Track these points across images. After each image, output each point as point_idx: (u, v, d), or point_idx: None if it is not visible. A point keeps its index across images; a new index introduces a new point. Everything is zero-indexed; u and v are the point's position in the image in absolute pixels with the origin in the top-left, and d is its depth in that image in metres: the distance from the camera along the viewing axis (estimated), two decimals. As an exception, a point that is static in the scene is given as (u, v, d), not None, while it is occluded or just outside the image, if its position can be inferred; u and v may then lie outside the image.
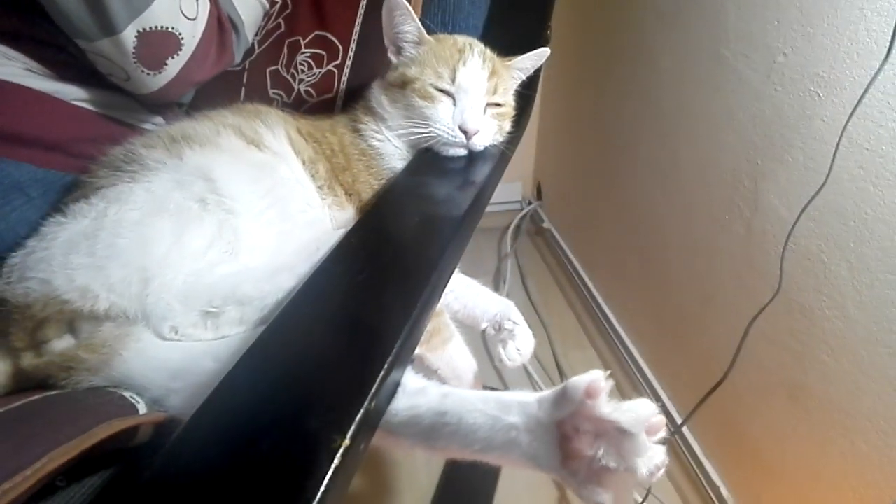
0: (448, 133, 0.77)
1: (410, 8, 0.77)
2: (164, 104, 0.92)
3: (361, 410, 0.39)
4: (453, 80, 0.78)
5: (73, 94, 0.80)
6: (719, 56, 1.18)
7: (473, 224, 0.70)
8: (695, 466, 1.30)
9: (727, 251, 1.19)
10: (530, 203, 2.42)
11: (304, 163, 0.78)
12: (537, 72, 0.91)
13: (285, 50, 1.02)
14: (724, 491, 1.23)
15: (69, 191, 0.73)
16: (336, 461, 0.36)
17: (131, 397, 0.51)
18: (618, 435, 0.39)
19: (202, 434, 0.40)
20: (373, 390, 0.41)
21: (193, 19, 0.77)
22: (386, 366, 0.43)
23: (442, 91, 0.78)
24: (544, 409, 0.43)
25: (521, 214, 2.38)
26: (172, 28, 0.75)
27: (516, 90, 0.88)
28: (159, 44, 0.75)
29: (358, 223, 0.65)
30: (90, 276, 0.54)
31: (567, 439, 0.41)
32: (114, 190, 0.62)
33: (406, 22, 0.78)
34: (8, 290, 0.56)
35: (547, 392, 0.44)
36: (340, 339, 0.47)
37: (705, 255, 1.27)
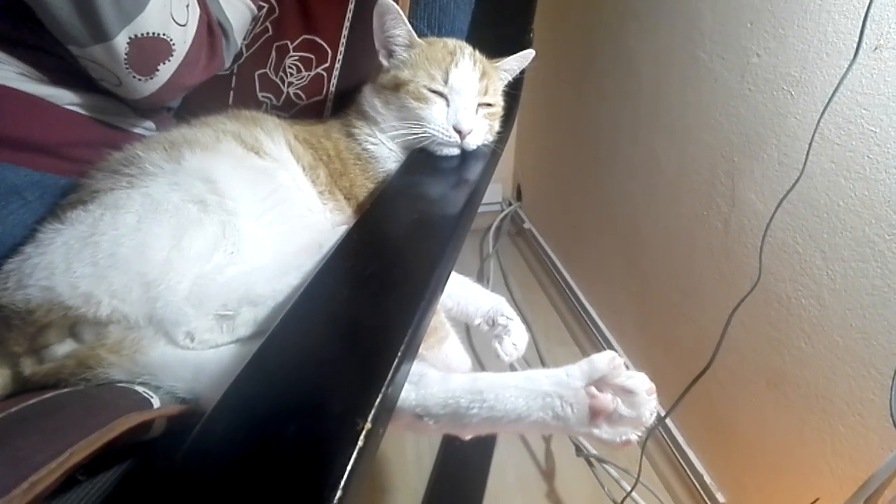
0: (443, 133, 0.79)
1: (402, 12, 0.79)
2: (154, 108, 0.92)
3: (380, 396, 0.41)
4: (446, 82, 0.80)
5: (66, 98, 0.79)
6: (695, 57, 1.22)
7: (470, 220, 0.72)
8: (678, 455, 1.34)
9: (706, 245, 1.23)
10: (511, 204, 2.46)
11: (304, 169, 0.79)
12: (523, 72, 0.94)
13: (273, 53, 1.03)
14: (707, 478, 1.26)
15: (66, 194, 0.73)
16: (360, 443, 0.37)
17: (144, 392, 0.52)
18: (628, 394, 0.52)
19: (227, 421, 0.41)
20: (389, 376, 0.43)
21: (184, 25, 0.78)
22: (399, 354, 0.45)
23: (435, 92, 0.80)
24: (574, 377, 0.53)
25: (501, 215, 2.42)
26: (164, 34, 0.75)
27: (503, 90, 0.91)
28: (151, 50, 0.75)
29: (358, 221, 0.67)
30: (94, 284, 0.54)
31: (594, 398, 0.51)
32: (111, 196, 0.62)
33: (397, 26, 0.80)
34: (5, 297, 0.56)
35: (571, 365, 0.55)
36: (354, 329, 0.49)
37: (685, 250, 1.31)
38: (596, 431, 0.51)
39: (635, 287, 1.57)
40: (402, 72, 0.81)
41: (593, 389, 0.52)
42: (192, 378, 0.54)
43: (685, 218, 1.30)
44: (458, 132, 0.80)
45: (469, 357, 0.83)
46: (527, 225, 2.32)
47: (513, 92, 0.94)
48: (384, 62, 0.84)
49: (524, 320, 1.85)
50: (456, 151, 0.82)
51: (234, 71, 1.06)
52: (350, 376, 0.43)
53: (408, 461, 1.41)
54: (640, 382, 0.52)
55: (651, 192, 1.45)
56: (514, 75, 0.91)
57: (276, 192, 0.72)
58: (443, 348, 0.79)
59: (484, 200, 2.53)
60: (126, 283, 0.55)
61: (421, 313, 0.50)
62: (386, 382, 0.42)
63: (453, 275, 0.93)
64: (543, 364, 1.72)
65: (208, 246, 0.61)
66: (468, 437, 0.54)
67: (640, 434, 0.51)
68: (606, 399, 0.51)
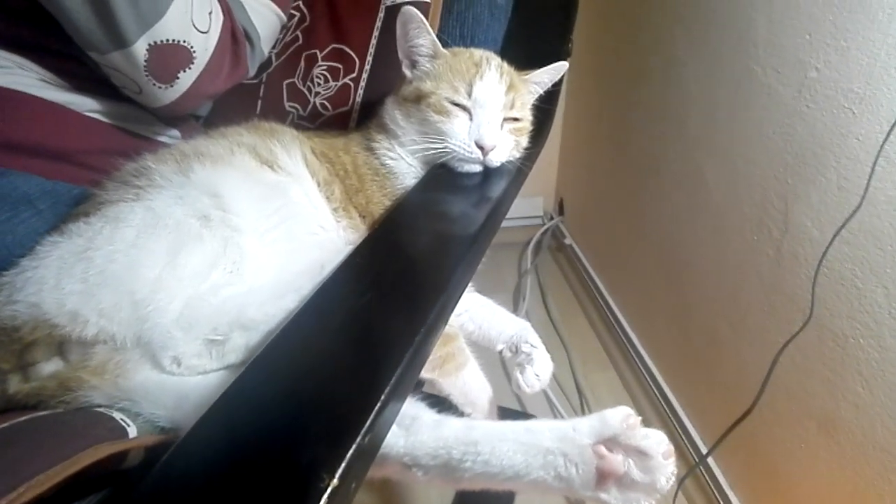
0: (464, 149, 0.75)
1: (425, 21, 0.75)
2: (179, 117, 0.91)
3: (353, 447, 0.37)
4: (470, 95, 0.76)
5: (87, 105, 0.79)
6: (749, 71, 1.14)
7: (486, 244, 0.68)
8: (719, 498, 1.25)
9: (756, 274, 1.14)
10: (552, 218, 2.38)
11: (319, 184, 0.77)
12: (557, 86, 0.88)
13: (302, 62, 1.01)
14: (749, 524, 1.17)
15: (79, 203, 0.72)
16: (323, 502, 0.33)
17: (121, 419, 0.49)
18: (642, 456, 0.47)
19: (187, 464, 0.38)
20: (367, 424, 0.38)
21: (206, 32, 0.77)
22: (383, 397, 0.40)
23: (458, 105, 0.76)
24: (581, 433, 0.48)
25: (542, 230, 2.35)
26: (184, 41, 0.74)
27: (535, 104, 0.86)
28: (171, 57, 0.74)
29: (365, 241, 0.63)
30: (81, 302, 0.52)
31: (602, 459, 0.47)
32: (114, 208, 0.60)
33: (421, 35, 0.77)
34: None
35: (579, 419, 0.50)
36: (337, 366, 0.45)
37: (733, 277, 1.23)
38: (604, 496, 0.46)
39: (679, 313, 1.48)
40: (425, 83, 0.77)
41: (602, 449, 0.47)
42: (173, 406, 0.51)
43: (733, 242, 1.22)
44: (481, 148, 0.75)
45: (490, 386, 0.79)
46: (568, 241, 2.24)
47: (545, 106, 0.88)
48: (407, 73, 0.81)
49: (561, 341, 1.82)
50: (478, 168, 0.78)
51: (263, 80, 1.05)
52: (324, 422, 0.39)
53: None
54: (657, 444, 0.47)
55: (697, 212, 1.36)
56: (545, 88, 0.86)
57: (284, 208, 0.70)
58: (461, 376, 0.75)
59: (524, 214, 2.49)
60: (115, 302, 0.53)
61: (414, 350, 0.46)
62: (362, 432, 0.38)
63: (477, 297, 0.89)
64: (579, 391, 1.65)
65: (206, 263, 0.59)
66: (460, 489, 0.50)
67: (652, 503, 0.46)
68: (617, 461, 0.46)
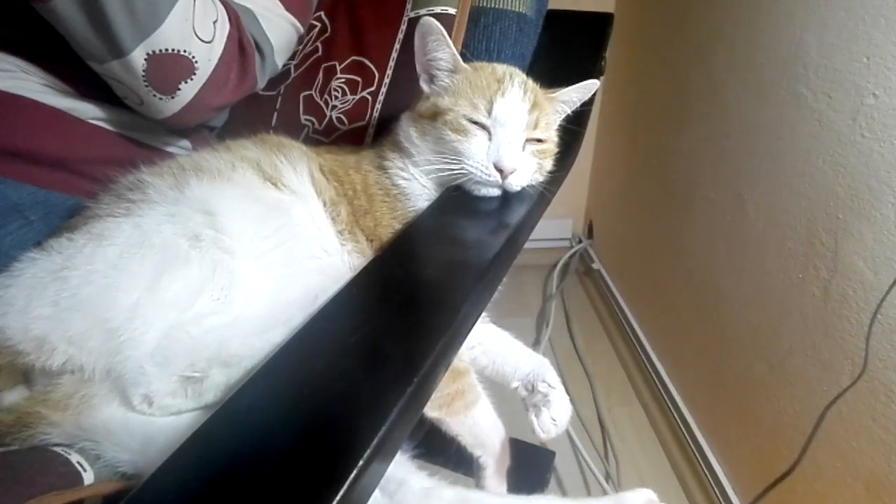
0: (481, 171, 0.69)
1: (445, 33, 0.70)
2: (187, 128, 0.88)
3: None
4: (490, 113, 0.70)
5: (91, 112, 0.76)
6: (797, 94, 1.06)
7: (501, 275, 0.62)
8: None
9: (800, 316, 1.06)
10: (580, 241, 2.31)
11: (325, 204, 0.72)
12: (587, 105, 0.82)
13: (321, 74, 0.98)
14: (785, 589, 1.07)
15: (73, 215, 0.68)
16: None
17: (78, 463, 0.44)
18: None
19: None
20: (340, 494, 0.32)
21: (209, 42, 0.73)
22: (361, 462, 0.34)
23: (477, 124, 0.70)
24: None
25: (569, 253, 2.27)
26: (185, 51, 0.70)
27: (562, 125, 0.80)
28: (171, 67, 0.71)
29: (365, 269, 0.57)
30: (49, 327, 0.47)
31: None
32: (101, 224, 0.56)
33: (440, 48, 0.71)
34: None
35: (593, 501, 0.49)
36: (314, 417, 0.39)
37: (774, 317, 1.14)
38: None
39: (712, 350, 1.39)
40: (442, 99, 0.72)
41: None
42: (138, 450, 0.46)
43: (775, 277, 1.13)
44: (500, 170, 0.69)
45: (503, 426, 0.73)
46: (596, 265, 2.16)
47: (573, 127, 0.82)
48: (425, 88, 0.75)
49: (584, 370, 1.73)
50: (496, 192, 0.72)
51: (280, 92, 1.01)
52: (291, 486, 0.33)
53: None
54: None
55: (736, 243, 1.28)
56: (573, 108, 0.80)
57: (284, 229, 0.65)
58: (470, 415, 0.70)
59: (552, 235, 2.41)
60: (86, 329, 0.48)
61: (405, 402, 0.40)
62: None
63: (492, 328, 0.82)
64: (602, 425, 1.56)
65: (191, 289, 0.54)
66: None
67: None
68: None
